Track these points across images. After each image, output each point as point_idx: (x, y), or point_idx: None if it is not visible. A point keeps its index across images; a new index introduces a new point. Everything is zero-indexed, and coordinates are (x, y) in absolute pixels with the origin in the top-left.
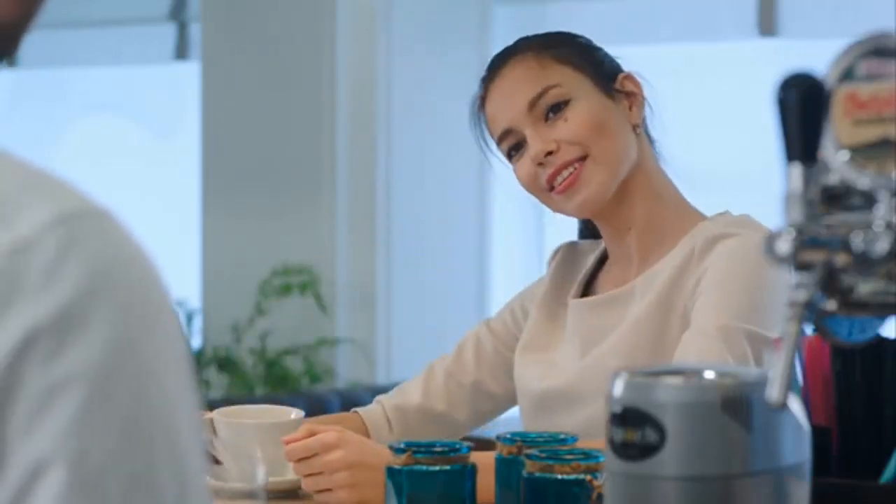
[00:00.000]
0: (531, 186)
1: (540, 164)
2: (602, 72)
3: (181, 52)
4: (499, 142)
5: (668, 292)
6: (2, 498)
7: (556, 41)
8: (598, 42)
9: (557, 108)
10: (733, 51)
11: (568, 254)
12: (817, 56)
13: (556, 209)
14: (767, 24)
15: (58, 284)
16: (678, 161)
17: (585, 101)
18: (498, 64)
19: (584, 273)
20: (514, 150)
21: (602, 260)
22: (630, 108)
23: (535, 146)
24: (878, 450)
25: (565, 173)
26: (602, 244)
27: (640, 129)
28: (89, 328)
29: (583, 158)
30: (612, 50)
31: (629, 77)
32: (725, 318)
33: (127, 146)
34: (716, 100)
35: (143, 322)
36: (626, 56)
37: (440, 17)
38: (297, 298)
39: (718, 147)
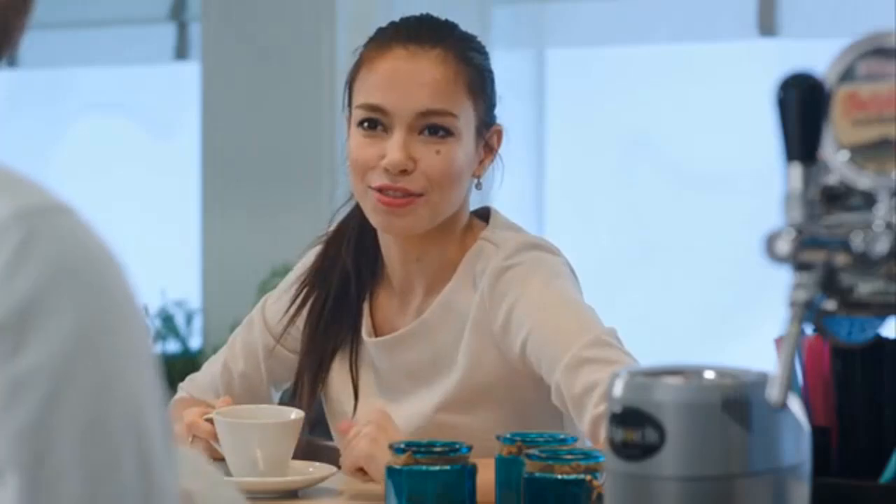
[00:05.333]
0: (359, 168)
1: (386, 168)
2: (486, 117)
3: (181, 52)
4: (362, 107)
5: (474, 345)
6: None
7: (476, 59)
8: (597, 42)
9: (439, 133)
10: (733, 51)
11: (322, 259)
12: (817, 56)
13: (367, 209)
14: (767, 24)
15: (17, 280)
16: (678, 162)
17: (462, 146)
18: (416, 38)
19: (366, 301)
20: (370, 124)
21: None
22: (481, 162)
23: (397, 155)
24: (878, 450)
25: (398, 193)
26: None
27: (479, 184)
28: (49, 324)
29: (421, 194)
30: (612, 50)
31: (499, 132)
32: (584, 336)
33: (127, 146)
34: (715, 100)
35: (103, 318)
36: (627, 56)
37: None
38: None
39: (718, 147)
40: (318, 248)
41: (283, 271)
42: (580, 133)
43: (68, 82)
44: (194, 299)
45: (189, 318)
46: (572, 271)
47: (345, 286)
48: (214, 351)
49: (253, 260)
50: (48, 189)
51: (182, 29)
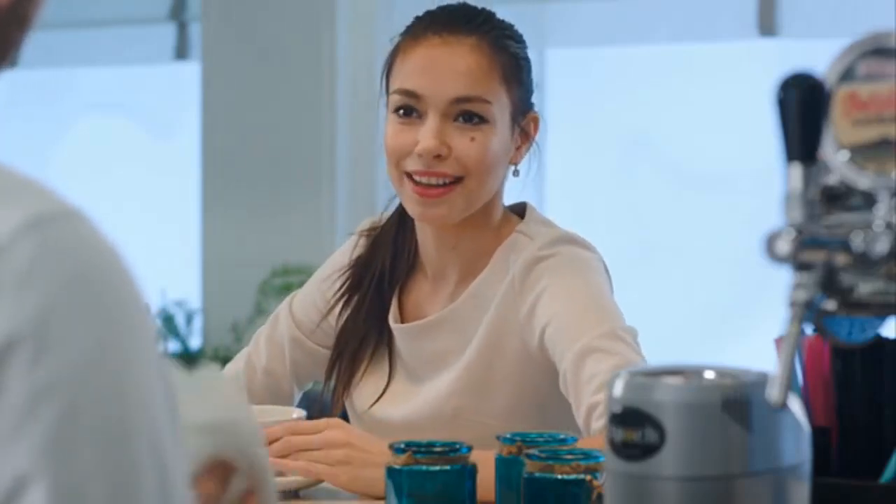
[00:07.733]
0: (394, 155)
1: (419, 154)
2: (522, 103)
3: (181, 52)
4: (397, 92)
5: (496, 328)
6: None
7: (512, 47)
8: (597, 42)
9: (473, 120)
10: (733, 51)
11: (371, 250)
12: (817, 56)
13: (402, 197)
14: (767, 24)
15: (32, 292)
16: (678, 162)
17: (497, 132)
18: (451, 27)
19: (396, 289)
20: (406, 111)
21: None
22: (518, 149)
23: (430, 141)
24: (878, 450)
25: (434, 180)
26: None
27: (517, 171)
28: (68, 333)
29: (458, 180)
30: (612, 50)
31: (535, 119)
32: (599, 327)
33: (127, 146)
34: (715, 100)
35: (119, 324)
36: (627, 56)
37: None
38: None
39: (718, 147)
40: (350, 243)
41: (283, 271)
42: (580, 133)
43: (68, 82)
44: (194, 299)
45: (189, 318)
46: (606, 269)
47: (382, 279)
48: (215, 351)
49: (253, 260)
50: (54, 192)
51: (182, 29)
